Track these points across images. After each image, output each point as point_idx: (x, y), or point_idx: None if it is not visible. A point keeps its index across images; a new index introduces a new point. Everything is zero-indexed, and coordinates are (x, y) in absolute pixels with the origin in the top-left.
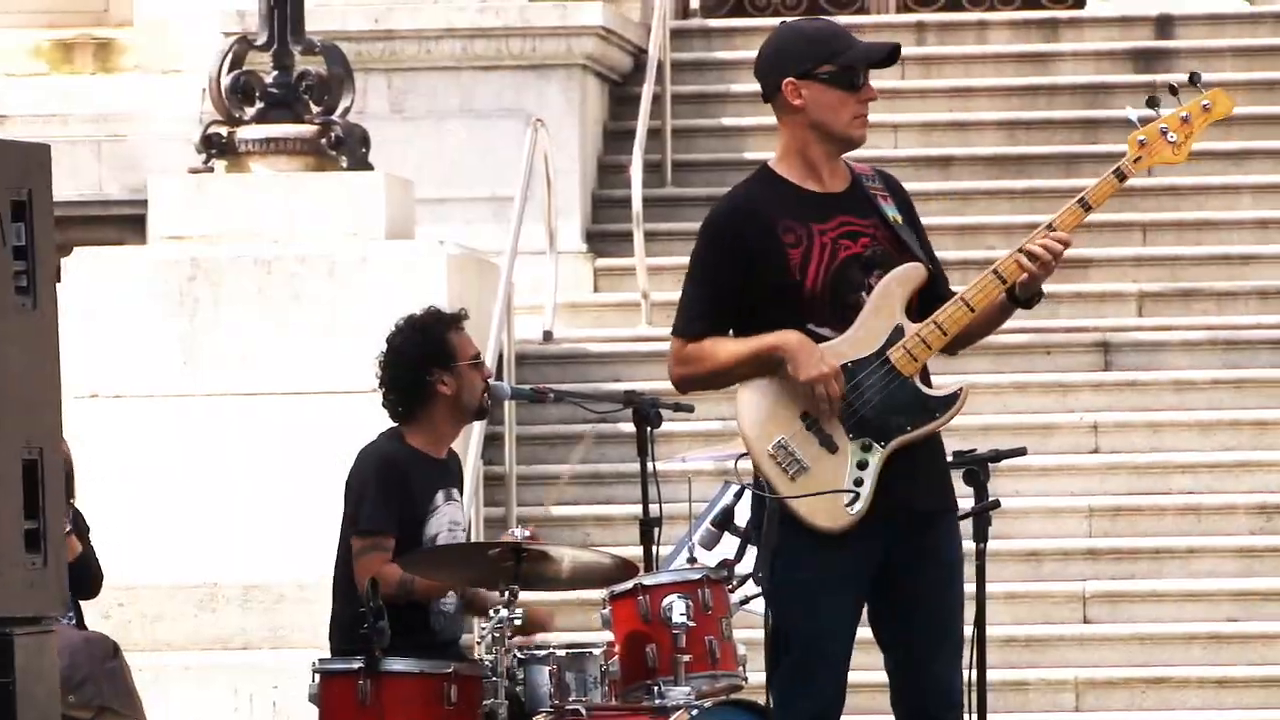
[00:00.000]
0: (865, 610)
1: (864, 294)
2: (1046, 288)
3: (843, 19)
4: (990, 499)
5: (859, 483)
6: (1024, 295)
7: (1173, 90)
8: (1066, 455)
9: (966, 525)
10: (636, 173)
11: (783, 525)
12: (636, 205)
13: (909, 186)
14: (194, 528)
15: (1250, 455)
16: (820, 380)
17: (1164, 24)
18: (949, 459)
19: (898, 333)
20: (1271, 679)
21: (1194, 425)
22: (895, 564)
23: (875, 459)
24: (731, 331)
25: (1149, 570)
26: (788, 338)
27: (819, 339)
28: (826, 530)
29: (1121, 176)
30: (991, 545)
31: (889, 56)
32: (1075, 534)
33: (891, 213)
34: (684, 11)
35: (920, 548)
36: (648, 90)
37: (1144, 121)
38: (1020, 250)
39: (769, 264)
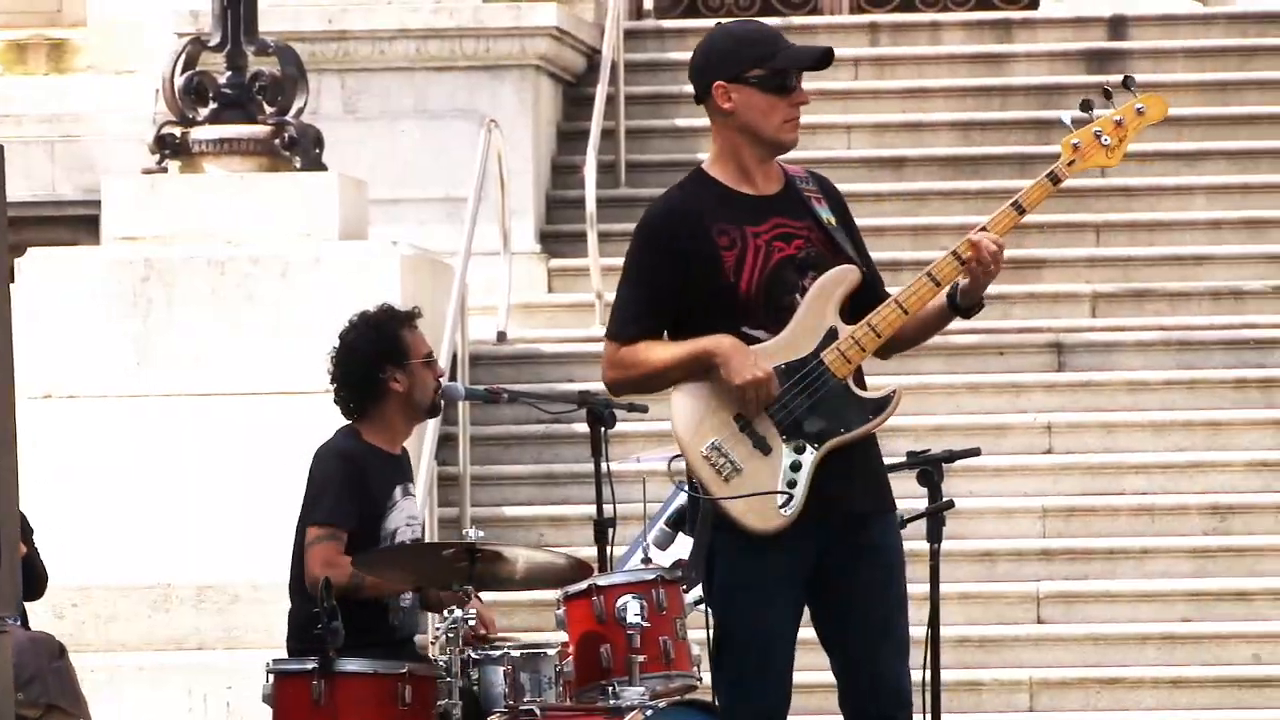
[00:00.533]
0: (809, 611)
1: (798, 296)
2: (1000, 288)
3: (796, 19)
4: (944, 499)
5: (792, 484)
6: (964, 303)
7: (1107, 94)
8: (1020, 456)
9: (920, 526)
10: (590, 173)
11: (717, 529)
12: (590, 206)
13: (863, 188)
14: (148, 528)
15: (1203, 456)
16: (753, 384)
17: (1117, 25)
18: (904, 459)
19: (831, 335)
20: (1225, 679)
21: (1147, 426)
22: (830, 565)
23: (809, 461)
24: (666, 334)
25: (1103, 570)
26: (720, 341)
27: (753, 341)
28: (759, 532)
29: (1055, 180)
30: (945, 546)
31: (820, 60)
32: (1029, 534)
33: (825, 215)
34: (637, 12)
35: (856, 548)
36: (601, 91)
37: (1077, 124)
38: (953, 251)
39: (703, 266)
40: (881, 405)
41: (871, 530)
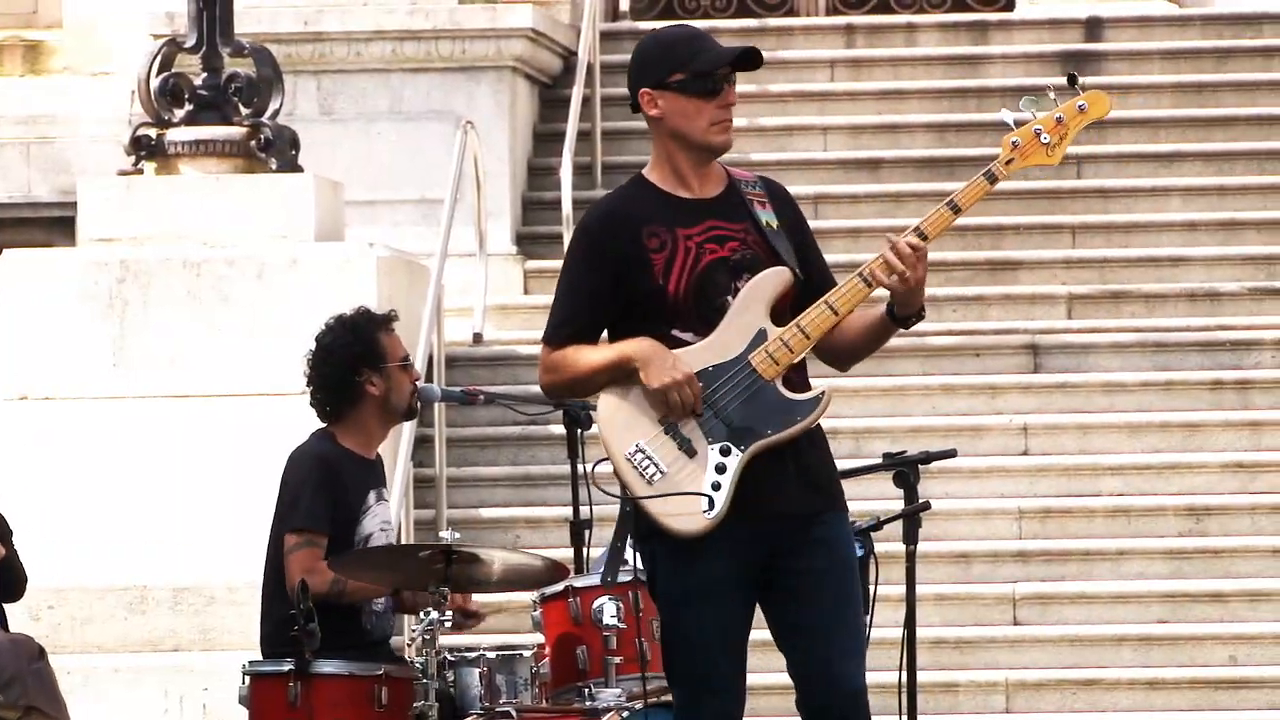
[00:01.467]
0: (762, 614)
1: (730, 298)
2: (976, 289)
3: (772, 21)
4: (920, 501)
5: (716, 487)
6: (900, 313)
7: (1051, 93)
8: (996, 457)
9: (896, 527)
10: (566, 175)
11: (651, 536)
12: (566, 207)
13: (839, 189)
14: (124, 530)
15: (1179, 457)
16: (672, 387)
17: (1093, 26)
18: (879, 461)
19: (760, 336)
20: (1201, 680)
21: (1123, 427)
22: (779, 566)
23: (734, 463)
24: (606, 336)
25: (1079, 572)
26: (640, 345)
27: (681, 344)
28: (683, 535)
29: (992, 179)
30: (921, 547)
31: (740, 60)
32: (1005, 536)
33: (766, 218)
34: (613, 14)
35: (802, 548)
36: (577, 92)
37: (1019, 124)
38: (880, 255)
39: (634, 269)
40: (810, 406)
41: (817, 530)
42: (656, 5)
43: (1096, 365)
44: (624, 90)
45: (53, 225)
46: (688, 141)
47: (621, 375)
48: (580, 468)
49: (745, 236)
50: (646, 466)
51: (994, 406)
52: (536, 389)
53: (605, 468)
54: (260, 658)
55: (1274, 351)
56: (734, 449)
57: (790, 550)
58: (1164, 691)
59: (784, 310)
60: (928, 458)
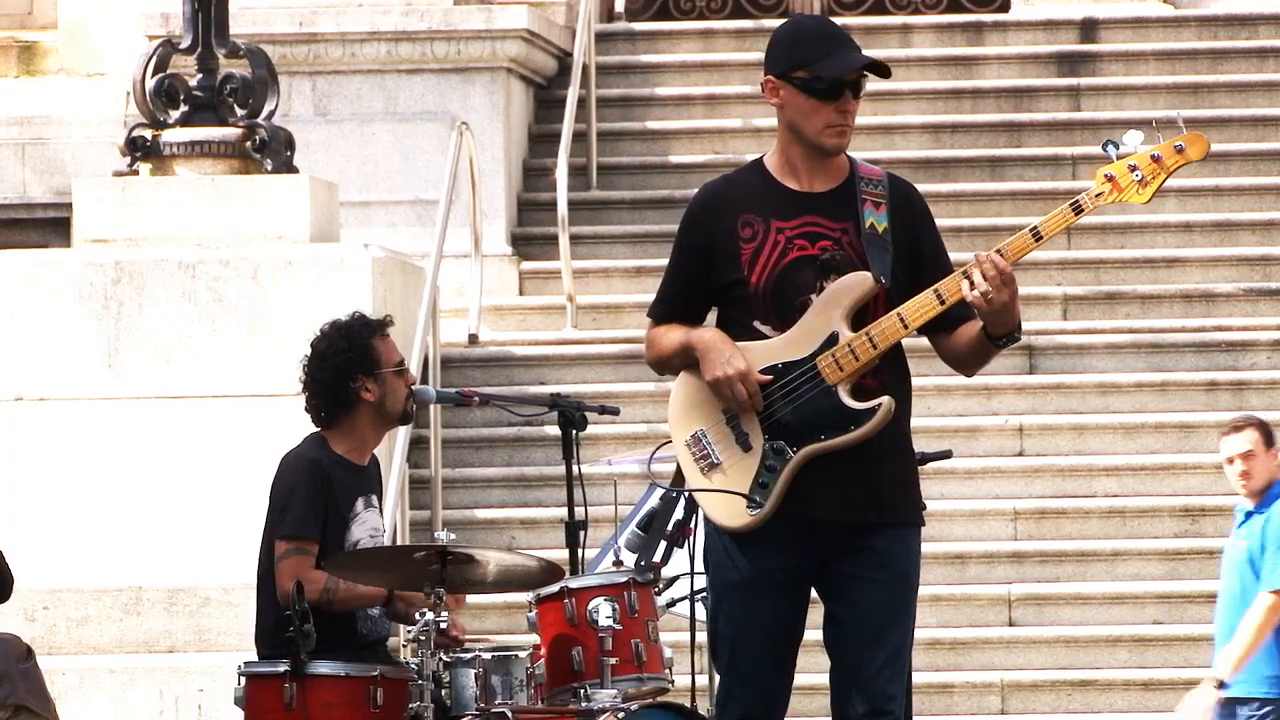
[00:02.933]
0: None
1: (813, 296)
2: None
3: (767, 22)
4: None
5: (765, 485)
6: (993, 332)
7: (1154, 125)
8: (991, 458)
9: None
10: (561, 176)
11: (708, 525)
12: (562, 208)
13: None
14: (119, 531)
15: (1175, 458)
16: (724, 382)
17: (1088, 27)
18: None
19: (831, 340)
20: (1196, 681)
21: (1118, 428)
22: (833, 571)
23: (786, 464)
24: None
25: (1074, 573)
26: (703, 336)
27: (760, 337)
28: (725, 528)
29: (1078, 209)
30: None
31: (867, 70)
32: (1000, 536)
33: (873, 219)
34: (609, 15)
35: (856, 556)
36: (573, 93)
37: (1120, 156)
38: (962, 270)
39: (722, 257)
40: (867, 416)
41: (872, 540)
42: (651, 6)
43: (1092, 366)
44: (619, 91)
45: (48, 226)
46: (801, 136)
47: (690, 360)
48: (575, 469)
49: (841, 237)
50: (701, 456)
51: (989, 407)
52: (532, 390)
53: (659, 465)
54: (255, 658)
55: (1269, 352)
56: (788, 449)
57: (844, 557)
58: (1159, 692)
59: (871, 315)
60: (923, 459)
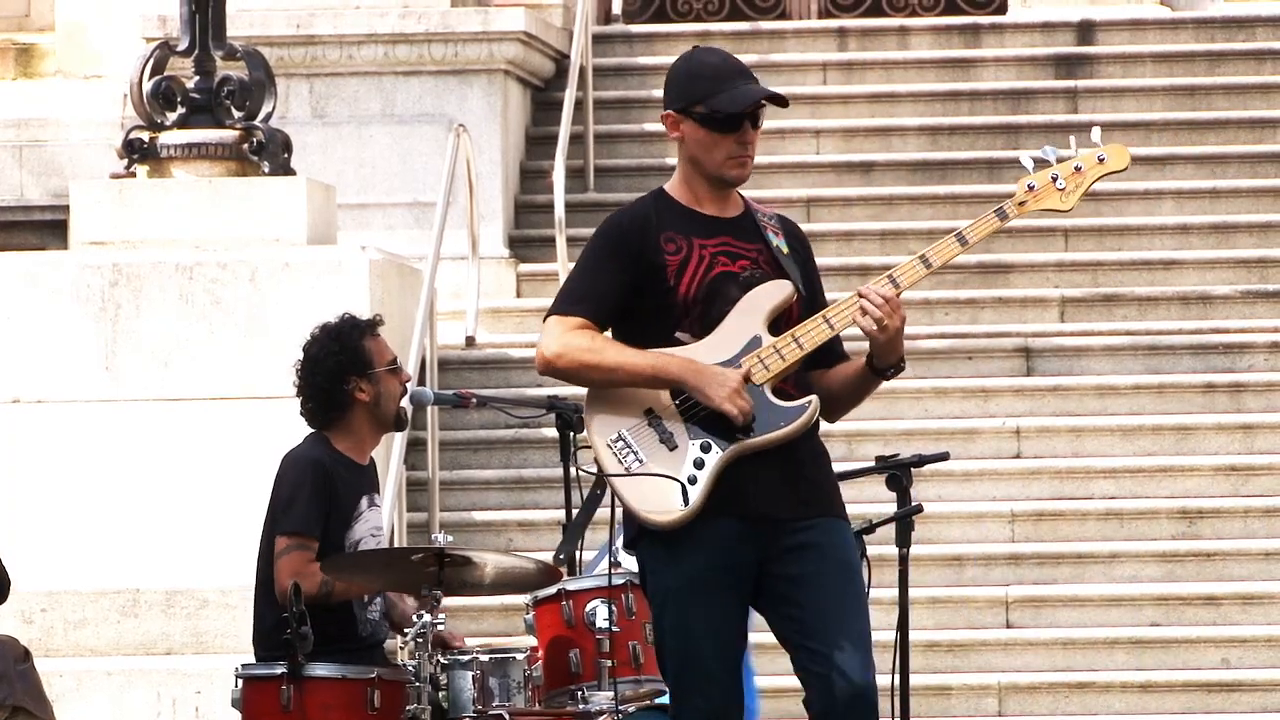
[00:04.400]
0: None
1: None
2: (969, 293)
3: (765, 24)
4: (913, 504)
5: (693, 480)
6: (880, 364)
7: (1072, 139)
8: (989, 460)
9: (889, 530)
10: (559, 178)
11: (640, 533)
12: (559, 210)
13: (831, 193)
14: (117, 533)
15: (1172, 460)
16: (729, 399)
17: (1085, 30)
18: (872, 464)
19: (755, 342)
20: (1194, 683)
21: (1116, 430)
22: (768, 572)
23: (712, 461)
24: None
25: (1071, 575)
26: (684, 367)
27: (678, 344)
28: (656, 525)
29: (1003, 216)
30: (914, 550)
31: (766, 101)
32: (998, 539)
33: (778, 243)
34: (606, 17)
35: (788, 554)
36: (570, 95)
37: (1037, 166)
38: (853, 299)
39: (649, 270)
40: (795, 413)
41: (806, 534)
42: (649, 8)
43: (1089, 368)
44: (617, 94)
45: (45, 228)
46: (702, 170)
47: (648, 384)
48: (572, 471)
49: (757, 257)
50: (626, 454)
51: (986, 409)
52: (529, 392)
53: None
54: (253, 660)
55: (1266, 355)
56: (714, 446)
57: (779, 556)
58: (1157, 694)
59: (787, 323)
60: (920, 461)
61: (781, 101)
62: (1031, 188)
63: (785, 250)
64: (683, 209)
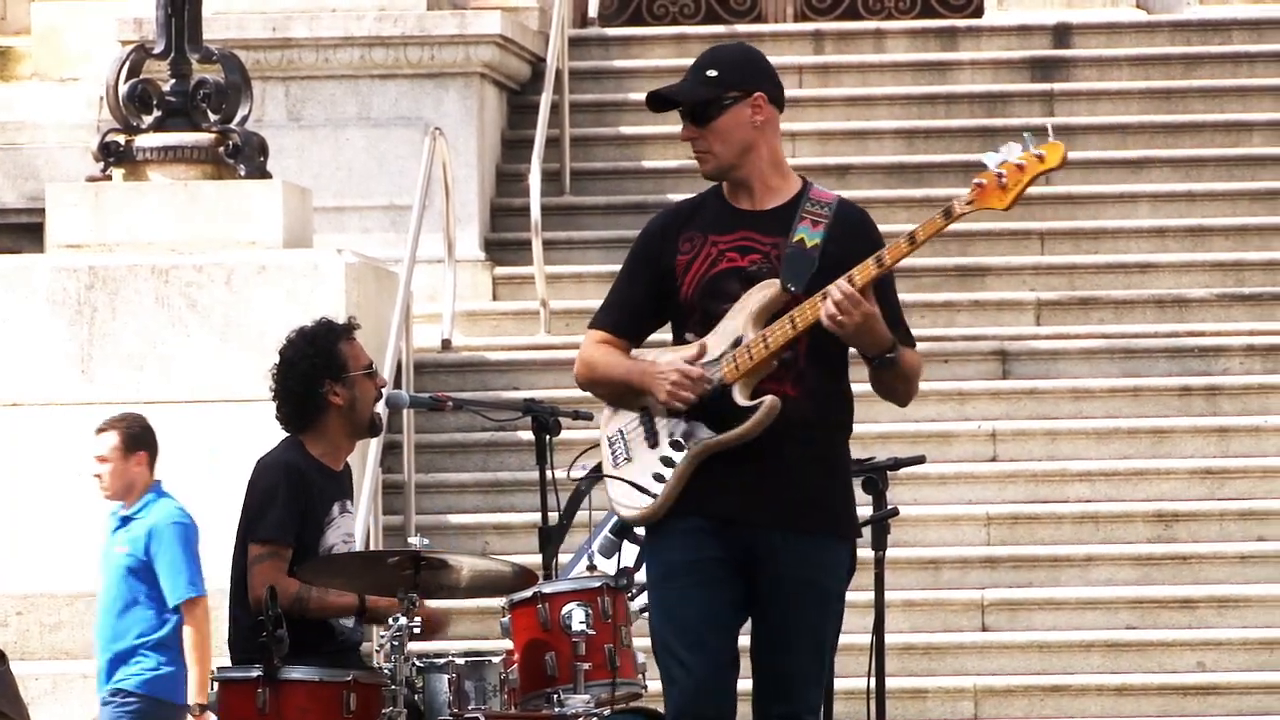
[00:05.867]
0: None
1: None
2: (945, 296)
3: (741, 27)
4: (889, 507)
5: (659, 478)
6: (868, 354)
7: (1026, 135)
8: (965, 463)
9: (866, 533)
10: (535, 181)
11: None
12: (535, 214)
13: None
14: (92, 536)
15: (1148, 463)
16: (669, 395)
17: (1061, 33)
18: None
19: (737, 342)
20: (1170, 686)
21: (1092, 433)
22: (754, 570)
23: (681, 459)
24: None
25: (1047, 578)
26: (639, 374)
27: (686, 344)
28: (625, 518)
29: (949, 215)
30: (890, 553)
31: (653, 105)
32: (974, 542)
33: (809, 236)
34: (582, 20)
35: (765, 560)
36: (546, 99)
37: (999, 164)
38: (821, 294)
39: (667, 271)
40: (747, 414)
41: (786, 549)
42: (625, 11)
43: (1065, 371)
44: (593, 97)
45: (21, 232)
46: None
47: (628, 393)
48: (549, 474)
49: (771, 251)
50: (618, 449)
51: (963, 413)
52: (505, 395)
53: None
54: (229, 663)
55: (1242, 358)
56: (684, 446)
57: (759, 559)
58: (1132, 697)
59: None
60: (896, 464)
61: (663, 102)
62: (980, 185)
63: (812, 242)
64: (721, 204)
